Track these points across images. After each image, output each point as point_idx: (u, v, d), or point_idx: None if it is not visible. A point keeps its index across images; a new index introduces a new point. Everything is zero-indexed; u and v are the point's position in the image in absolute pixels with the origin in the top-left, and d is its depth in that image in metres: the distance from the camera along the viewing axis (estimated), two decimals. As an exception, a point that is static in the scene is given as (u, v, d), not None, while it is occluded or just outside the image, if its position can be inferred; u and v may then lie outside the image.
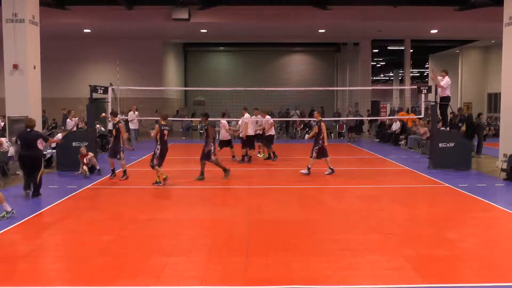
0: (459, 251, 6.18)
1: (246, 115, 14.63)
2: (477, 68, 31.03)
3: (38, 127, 12.57)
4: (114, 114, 12.10)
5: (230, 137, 14.66)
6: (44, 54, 13.92)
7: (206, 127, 11.51)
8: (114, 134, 11.59)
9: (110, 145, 12.10)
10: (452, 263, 5.70)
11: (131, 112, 18.77)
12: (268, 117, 14.99)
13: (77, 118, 17.85)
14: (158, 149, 10.62)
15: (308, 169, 12.10)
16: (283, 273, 5.32)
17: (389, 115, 29.02)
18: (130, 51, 26.44)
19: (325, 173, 12.11)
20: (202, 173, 11.41)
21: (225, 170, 11.49)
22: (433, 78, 13.77)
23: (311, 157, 12.09)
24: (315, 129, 12.26)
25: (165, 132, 10.68)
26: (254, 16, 20.93)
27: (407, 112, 25.72)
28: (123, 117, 19.87)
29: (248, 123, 14.31)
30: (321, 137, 11.89)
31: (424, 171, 12.63)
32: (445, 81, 13.50)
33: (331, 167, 12.15)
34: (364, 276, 5.26)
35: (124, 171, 11.57)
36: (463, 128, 15.53)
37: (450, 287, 5.03)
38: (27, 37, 12.45)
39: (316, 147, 11.97)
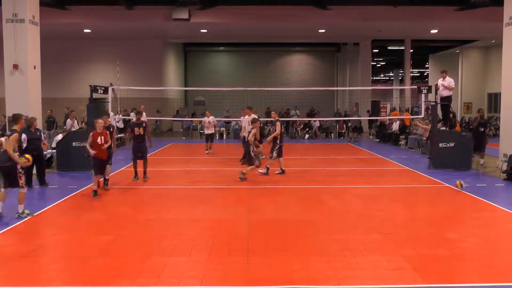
0: (459, 251, 6.18)
1: (252, 115, 14.33)
2: (477, 68, 31.04)
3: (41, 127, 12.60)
4: (107, 115, 11.22)
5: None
6: (44, 54, 13.92)
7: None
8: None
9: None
10: (452, 263, 5.70)
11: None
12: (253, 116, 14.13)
13: (73, 121, 17.37)
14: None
15: (267, 169, 12.05)
16: (283, 273, 5.32)
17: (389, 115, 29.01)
18: (130, 51, 26.46)
19: (276, 172, 12.10)
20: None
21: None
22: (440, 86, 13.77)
23: (270, 157, 12.07)
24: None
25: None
26: (254, 16, 20.94)
27: (400, 111, 25.71)
28: (121, 116, 19.82)
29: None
30: (279, 136, 11.98)
31: (424, 171, 12.63)
32: (448, 80, 13.62)
33: (283, 168, 12.16)
34: (364, 276, 5.26)
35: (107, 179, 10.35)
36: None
37: (450, 287, 5.04)
38: (27, 37, 12.46)
39: (276, 147, 11.99)
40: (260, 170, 12.04)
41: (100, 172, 9.71)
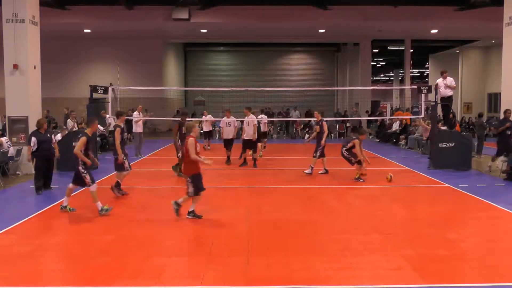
0: (459, 251, 6.18)
1: (251, 115, 14.19)
2: (477, 68, 31.05)
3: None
4: (120, 114, 10.18)
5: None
6: (44, 54, 13.91)
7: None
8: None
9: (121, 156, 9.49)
10: (452, 263, 5.70)
11: (136, 113, 17.18)
12: (252, 116, 13.84)
13: (74, 122, 17.36)
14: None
15: (311, 168, 12.18)
16: (283, 273, 5.32)
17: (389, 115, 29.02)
18: (130, 51, 26.46)
19: (320, 172, 12.23)
20: None
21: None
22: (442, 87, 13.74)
23: (314, 156, 12.18)
24: (316, 129, 12.32)
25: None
26: (254, 16, 20.94)
27: (402, 111, 25.75)
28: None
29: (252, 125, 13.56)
30: (323, 136, 12.05)
31: (424, 171, 12.63)
32: (450, 80, 13.67)
33: (326, 168, 12.32)
34: (364, 276, 5.26)
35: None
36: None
37: (450, 287, 5.04)
38: (27, 37, 12.45)
39: (320, 147, 12.08)
40: (305, 171, 12.17)
41: (201, 189, 7.76)
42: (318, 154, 12.12)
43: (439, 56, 33.62)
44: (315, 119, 13.00)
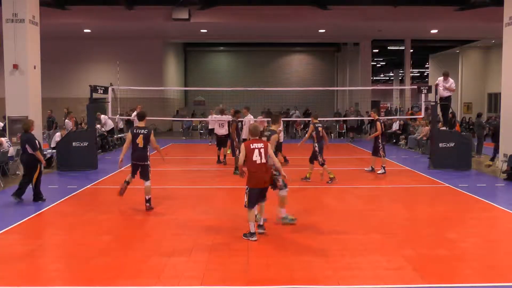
0: (459, 251, 6.18)
1: (249, 115, 14.15)
2: (477, 68, 31.01)
3: (39, 129, 12.57)
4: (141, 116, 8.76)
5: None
6: (44, 54, 13.91)
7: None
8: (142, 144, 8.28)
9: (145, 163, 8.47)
10: (452, 263, 5.70)
11: (135, 113, 17.54)
12: (250, 116, 13.64)
13: (72, 123, 17.43)
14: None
15: (383, 168, 12.26)
16: (283, 273, 5.32)
17: (389, 115, 29.00)
18: (130, 51, 26.45)
19: (379, 172, 12.17)
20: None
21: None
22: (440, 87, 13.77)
23: (382, 156, 12.28)
24: (377, 128, 12.41)
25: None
26: (254, 16, 20.94)
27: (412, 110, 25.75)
28: (120, 117, 19.79)
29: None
30: (380, 135, 12.22)
31: (424, 171, 12.63)
32: (450, 81, 13.69)
33: (384, 166, 12.34)
34: (364, 276, 5.26)
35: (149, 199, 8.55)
36: None
37: (450, 287, 5.04)
38: (27, 37, 12.45)
39: (381, 146, 12.17)
40: (378, 172, 12.16)
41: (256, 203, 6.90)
42: (382, 153, 12.25)
43: (439, 56, 33.59)
44: (310, 119, 12.92)
